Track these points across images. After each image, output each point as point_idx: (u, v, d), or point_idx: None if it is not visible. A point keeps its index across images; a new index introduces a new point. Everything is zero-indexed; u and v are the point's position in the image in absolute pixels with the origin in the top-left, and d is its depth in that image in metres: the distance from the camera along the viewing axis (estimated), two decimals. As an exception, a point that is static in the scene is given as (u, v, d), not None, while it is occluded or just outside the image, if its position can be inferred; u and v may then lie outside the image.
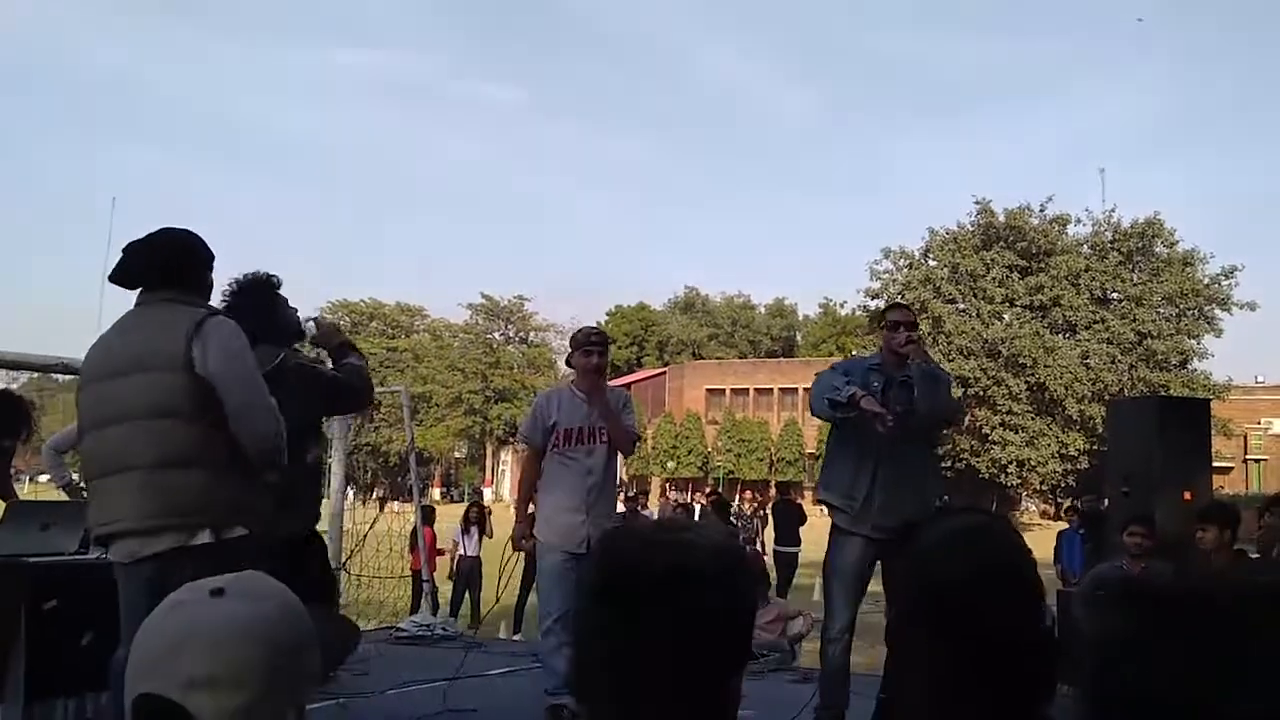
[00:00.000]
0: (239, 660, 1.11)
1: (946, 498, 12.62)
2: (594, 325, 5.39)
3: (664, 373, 61.18)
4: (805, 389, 5.23)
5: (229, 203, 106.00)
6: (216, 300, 3.68)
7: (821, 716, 4.60)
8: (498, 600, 5.24)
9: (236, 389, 3.17)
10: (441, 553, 12.42)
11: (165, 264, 3.29)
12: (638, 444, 5.50)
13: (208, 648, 1.11)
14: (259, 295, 4.25)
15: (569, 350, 5.32)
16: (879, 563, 4.66)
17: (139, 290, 3.31)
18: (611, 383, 5.40)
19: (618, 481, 5.26)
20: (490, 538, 12.13)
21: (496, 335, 65.92)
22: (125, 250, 3.30)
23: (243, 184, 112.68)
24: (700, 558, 1.11)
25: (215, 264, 3.46)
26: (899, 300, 43.02)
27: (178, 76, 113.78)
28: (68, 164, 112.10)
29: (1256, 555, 4.57)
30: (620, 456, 5.38)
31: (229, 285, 4.37)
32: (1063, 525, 16.24)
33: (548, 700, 4.83)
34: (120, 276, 3.31)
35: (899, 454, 4.62)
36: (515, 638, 10.69)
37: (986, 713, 1.23)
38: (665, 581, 1.08)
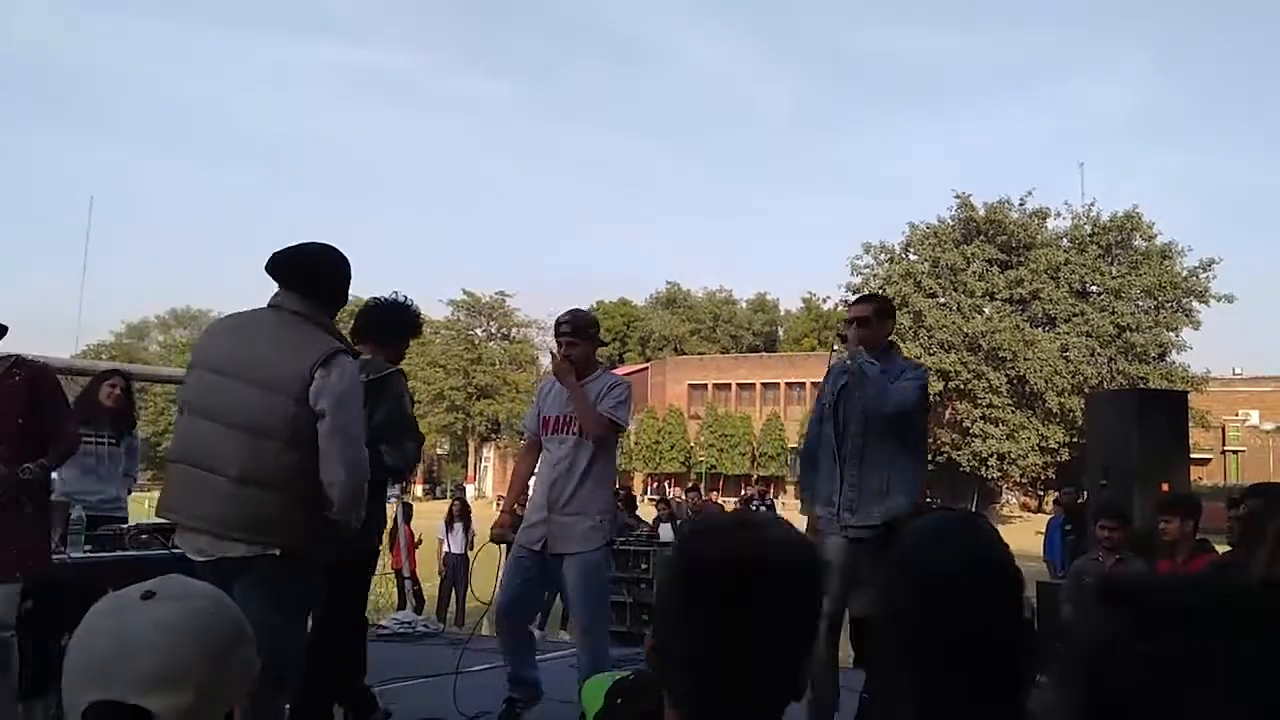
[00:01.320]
0: (185, 659, 1.13)
1: (931, 498, 12.67)
2: (572, 311, 5.02)
3: (646, 368, 61.15)
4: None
5: (207, 199, 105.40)
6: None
7: (810, 709, 4.63)
8: (490, 602, 5.13)
9: (339, 435, 3.19)
10: (418, 544, 12.32)
11: (304, 272, 3.36)
12: (620, 434, 5.17)
13: (151, 648, 1.12)
14: (398, 317, 4.56)
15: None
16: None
17: (278, 286, 3.36)
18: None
19: (610, 475, 5.00)
20: (473, 534, 12.11)
21: (478, 331, 65.69)
22: (284, 249, 3.39)
23: (221, 180, 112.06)
24: (785, 551, 1.13)
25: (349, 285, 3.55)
26: (879, 293, 43.26)
27: (155, 72, 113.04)
28: (43, 161, 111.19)
29: (1228, 548, 4.61)
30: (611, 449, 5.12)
31: (374, 300, 4.69)
32: (1044, 517, 16.31)
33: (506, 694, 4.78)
34: (271, 268, 3.37)
35: (863, 455, 4.59)
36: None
37: (967, 706, 1.24)
38: (755, 573, 1.10)
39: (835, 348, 4.81)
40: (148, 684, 1.11)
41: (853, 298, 43.65)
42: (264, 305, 3.39)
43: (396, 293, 4.73)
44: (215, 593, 1.25)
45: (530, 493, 4.99)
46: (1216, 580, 0.75)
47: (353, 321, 4.67)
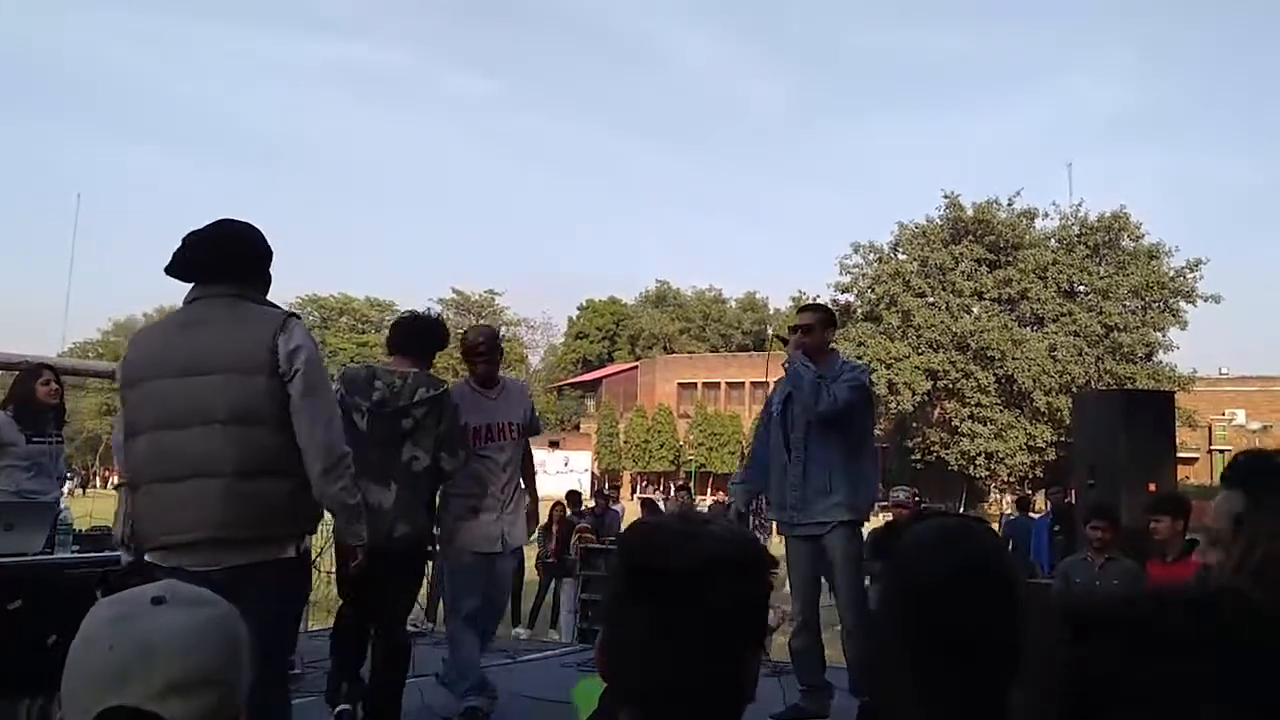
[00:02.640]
0: (208, 662, 1.15)
1: (919, 496, 12.67)
2: (483, 329, 5.61)
3: (635, 367, 61.13)
4: (777, 382, 5.20)
5: (195, 196, 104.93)
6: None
7: (804, 693, 4.89)
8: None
9: (313, 393, 3.08)
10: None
11: (232, 256, 3.17)
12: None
13: (178, 654, 1.14)
14: (430, 331, 4.82)
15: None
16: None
17: (195, 284, 3.17)
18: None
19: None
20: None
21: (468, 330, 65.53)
22: (186, 240, 3.15)
23: (208, 177, 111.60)
24: (726, 548, 1.13)
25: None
26: (868, 293, 43.35)
27: (143, 66, 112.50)
28: (30, 157, 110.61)
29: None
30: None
31: (406, 315, 4.97)
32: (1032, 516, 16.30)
33: (461, 704, 4.79)
34: (179, 268, 3.15)
35: (806, 457, 4.90)
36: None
37: (967, 708, 1.25)
38: (697, 573, 1.10)
39: (776, 349, 5.27)
40: (167, 690, 1.12)
41: (843, 298, 44.01)
42: (188, 301, 3.20)
43: (430, 309, 5.14)
44: (215, 595, 1.26)
45: (457, 501, 4.99)
46: (1180, 594, 0.76)
47: (388, 337, 4.92)
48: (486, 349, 5.10)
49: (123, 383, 3.20)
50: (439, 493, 4.82)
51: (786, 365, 5.05)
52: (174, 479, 3.02)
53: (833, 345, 5.24)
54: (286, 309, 3.28)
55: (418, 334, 4.75)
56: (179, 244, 3.15)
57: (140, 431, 3.11)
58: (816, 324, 5.09)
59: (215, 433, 2.98)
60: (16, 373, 5.97)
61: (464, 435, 4.74)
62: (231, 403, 2.99)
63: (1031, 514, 14.18)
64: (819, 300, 49.37)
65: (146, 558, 3.19)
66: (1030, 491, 31.66)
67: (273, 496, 3.03)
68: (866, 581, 5.26)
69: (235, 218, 3.26)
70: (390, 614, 4.49)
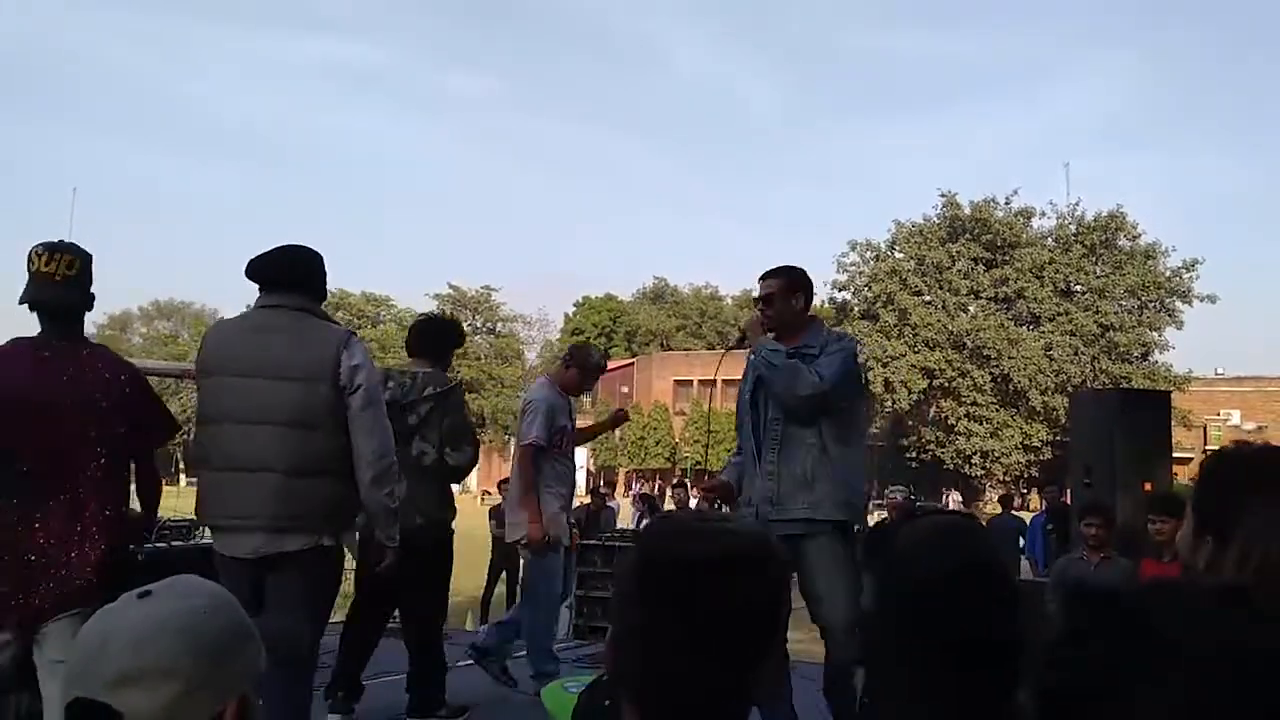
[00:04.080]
0: (164, 652, 1.13)
1: (913, 494, 12.68)
2: (604, 355, 6.35)
3: (632, 364, 61.13)
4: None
5: (192, 193, 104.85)
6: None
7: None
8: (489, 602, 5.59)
9: (372, 406, 3.46)
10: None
11: (302, 273, 3.56)
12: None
13: (129, 644, 1.13)
14: (446, 332, 5.12)
15: (575, 364, 5.61)
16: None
17: (265, 292, 3.52)
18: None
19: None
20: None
21: (464, 325, 65.53)
22: (266, 253, 3.54)
23: (206, 174, 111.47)
24: (744, 544, 1.13)
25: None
26: (865, 291, 43.37)
27: (141, 64, 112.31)
28: (26, 151, 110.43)
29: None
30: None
31: (422, 318, 5.29)
32: (1027, 515, 16.31)
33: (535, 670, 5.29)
34: (259, 273, 3.53)
35: (783, 441, 4.04)
36: (481, 629, 10.65)
37: (960, 708, 1.24)
38: (715, 568, 1.10)
39: (735, 347, 4.44)
40: (123, 679, 1.11)
41: (840, 296, 43.91)
42: (260, 306, 3.53)
43: (440, 310, 5.36)
44: (219, 592, 1.25)
45: (550, 499, 5.35)
46: (1168, 584, 0.76)
47: (407, 338, 5.14)
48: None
49: (197, 371, 3.56)
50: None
51: (751, 356, 4.15)
52: (238, 469, 3.35)
53: (812, 314, 4.26)
54: (347, 328, 3.69)
55: (431, 336, 5.04)
56: (255, 257, 3.54)
57: (209, 420, 3.45)
58: (778, 291, 4.10)
59: (275, 432, 3.32)
60: None
61: (472, 433, 4.98)
62: (295, 407, 3.33)
63: (1014, 512, 14.11)
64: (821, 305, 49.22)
65: (206, 523, 3.57)
66: (1024, 490, 31.73)
67: (320, 493, 3.36)
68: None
69: (297, 243, 3.66)
70: (417, 607, 4.77)
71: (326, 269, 3.68)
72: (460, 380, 4.88)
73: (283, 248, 3.59)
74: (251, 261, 3.55)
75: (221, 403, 3.40)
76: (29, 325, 3.27)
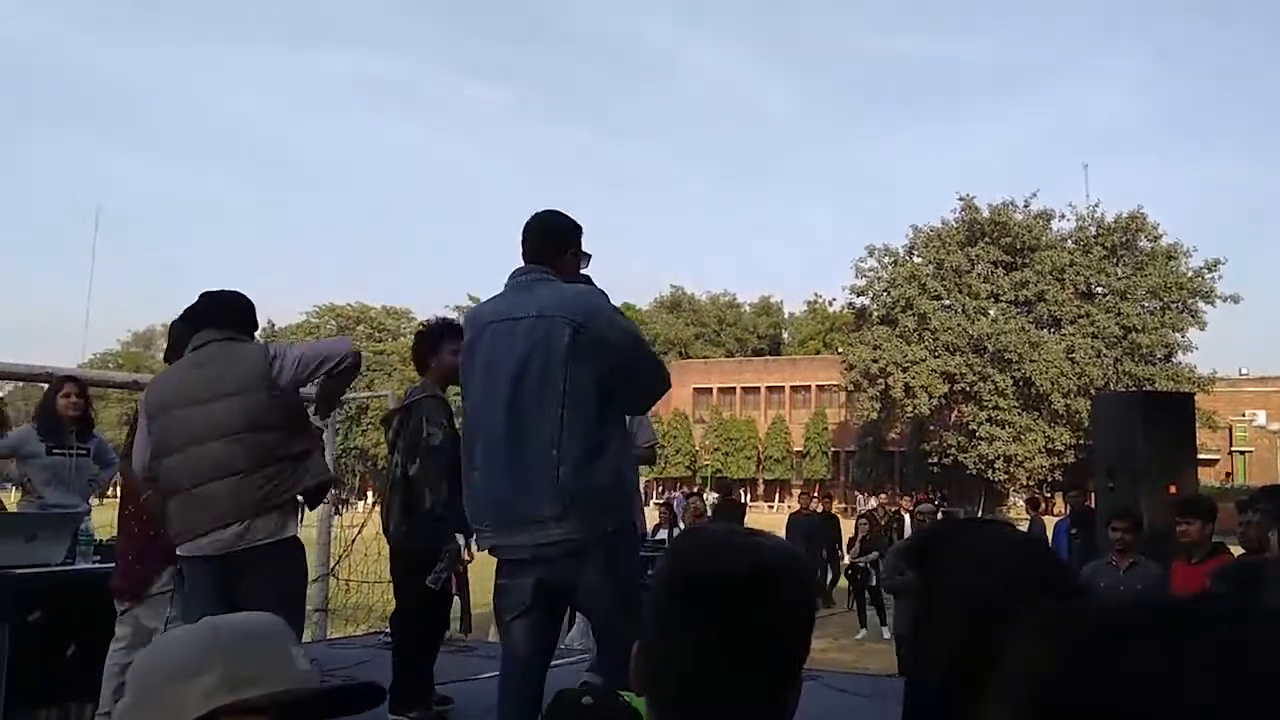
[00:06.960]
0: (133, 679, 1.18)
1: (940, 497, 12.63)
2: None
3: (651, 372, 61.08)
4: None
5: (212, 210, 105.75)
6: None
7: None
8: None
9: (303, 345, 3.90)
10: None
11: (237, 312, 3.93)
12: None
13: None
14: (447, 333, 4.91)
15: None
16: None
17: (200, 330, 3.84)
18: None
19: None
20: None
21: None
22: (204, 298, 3.94)
23: (226, 189, 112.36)
24: (774, 560, 1.13)
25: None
26: (884, 296, 43.23)
27: (162, 82, 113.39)
28: (52, 169, 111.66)
29: (1242, 551, 4.58)
30: None
31: (419, 329, 5.21)
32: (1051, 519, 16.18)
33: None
34: (198, 317, 3.91)
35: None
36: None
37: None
38: (745, 583, 1.10)
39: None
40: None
41: (859, 301, 43.75)
42: (193, 348, 3.83)
43: (443, 316, 5.33)
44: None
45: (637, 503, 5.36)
46: (1187, 598, 0.73)
47: (413, 348, 5.09)
48: None
49: (147, 419, 3.83)
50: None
51: None
52: (204, 482, 3.60)
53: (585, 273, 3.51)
54: (264, 342, 4.04)
55: (417, 347, 4.95)
56: (200, 298, 3.95)
57: (166, 453, 3.69)
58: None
59: (235, 442, 3.59)
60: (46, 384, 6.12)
61: (436, 448, 4.49)
62: (244, 415, 3.61)
63: (1043, 515, 14.00)
64: (833, 302, 48.91)
65: (179, 552, 3.76)
66: (1049, 495, 31.48)
67: (272, 477, 3.63)
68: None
69: (231, 289, 4.05)
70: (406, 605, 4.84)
71: (252, 306, 4.01)
72: (430, 393, 4.68)
73: (207, 293, 3.96)
74: (183, 313, 4.01)
75: (173, 436, 3.67)
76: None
